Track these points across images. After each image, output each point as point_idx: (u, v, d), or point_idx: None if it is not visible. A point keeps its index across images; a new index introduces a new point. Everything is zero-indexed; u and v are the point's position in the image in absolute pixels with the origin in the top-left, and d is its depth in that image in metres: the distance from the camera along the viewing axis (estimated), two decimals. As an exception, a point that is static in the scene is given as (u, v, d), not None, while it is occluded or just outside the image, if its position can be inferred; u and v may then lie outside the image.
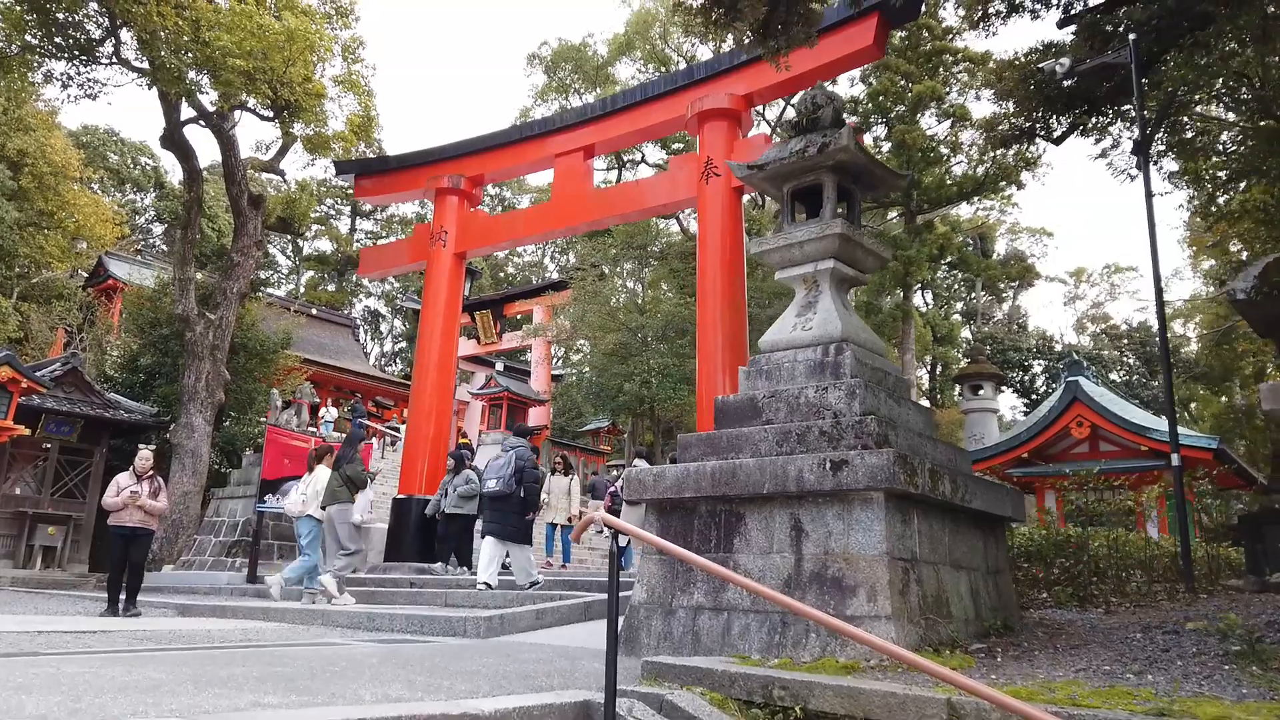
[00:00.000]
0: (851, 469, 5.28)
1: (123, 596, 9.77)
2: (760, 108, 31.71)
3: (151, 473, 10.31)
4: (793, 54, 12.40)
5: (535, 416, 41.24)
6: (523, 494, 9.60)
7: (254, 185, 17.52)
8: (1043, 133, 11.67)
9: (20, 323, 22.39)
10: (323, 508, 10.37)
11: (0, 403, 14.18)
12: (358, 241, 50.16)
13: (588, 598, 8.39)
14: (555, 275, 46.64)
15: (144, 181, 40.92)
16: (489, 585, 9.40)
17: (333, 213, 53.30)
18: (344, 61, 15.04)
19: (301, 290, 52.82)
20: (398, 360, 61.16)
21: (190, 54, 13.91)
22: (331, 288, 55.03)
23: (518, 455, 9.76)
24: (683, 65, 36.52)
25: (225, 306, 16.56)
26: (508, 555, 9.90)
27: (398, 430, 35.66)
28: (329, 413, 31.65)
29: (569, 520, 14.64)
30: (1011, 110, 11.95)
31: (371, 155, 16.88)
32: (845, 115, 7.06)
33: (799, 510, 5.55)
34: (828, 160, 6.48)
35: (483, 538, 9.92)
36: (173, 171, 43.73)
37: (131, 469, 10.30)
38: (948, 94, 30.29)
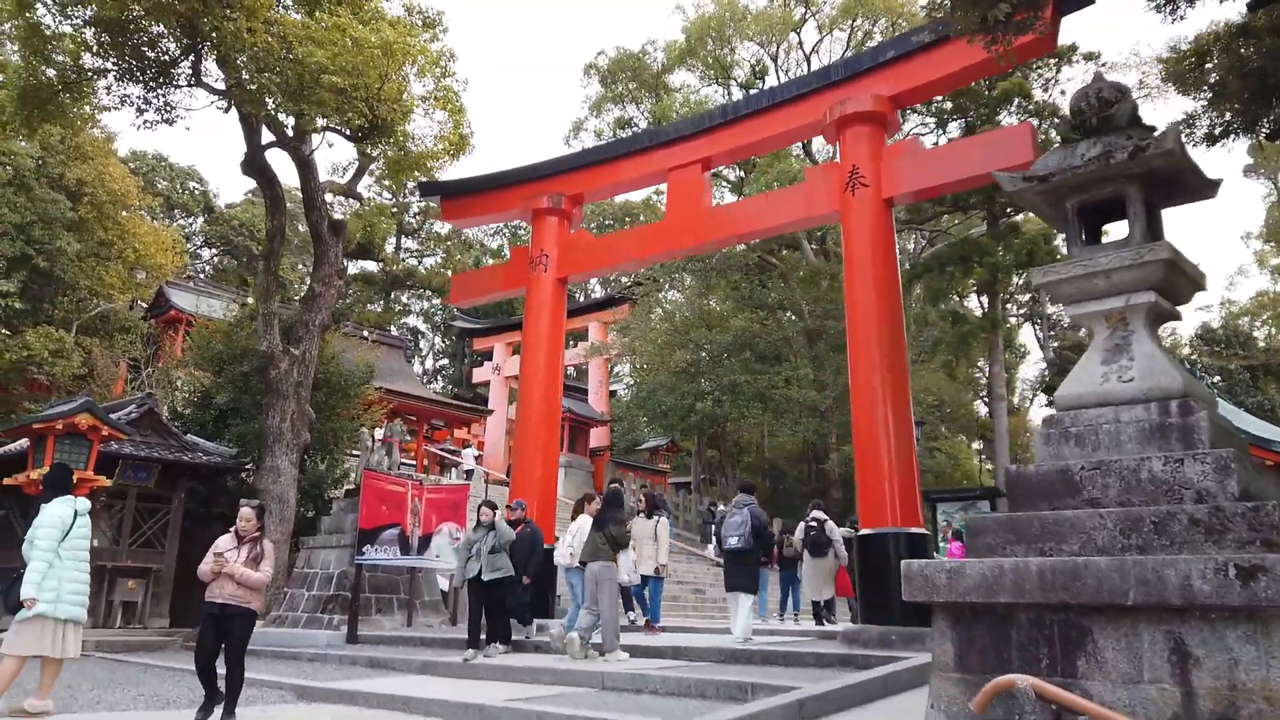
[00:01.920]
0: (1274, 578, 3.98)
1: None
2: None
3: (257, 534, 7.57)
4: (948, 46, 11.19)
5: (595, 437, 40.16)
6: (760, 548, 10.57)
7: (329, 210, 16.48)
8: (1248, 129, 10.30)
9: (84, 358, 21.55)
10: (582, 563, 10.36)
11: (79, 452, 13.18)
12: (403, 260, 49.29)
13: (798, 693, 7.05)
14: (604, 291, 45.55)
15: (193, 206, 40.36)
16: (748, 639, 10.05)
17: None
18: (432, 76, 13.95)
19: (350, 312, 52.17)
20: (439, 378, 60.56)
21: (278, 72, 12.87)
22: (375, 307, 54.38)
23: (752, 513, 10.39)
24: (745, 71, 35.32)
25: (308, 340, 15.52)
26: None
27: (456, 453, 34.69)
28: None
29: (657, 571, 12.20)
30: (1205, 104, 10.59)
31: (459, 177, 15.78)
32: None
33: (1181, 628, 4.24)
34: (1138, 168, 5.20)
35: (728, 591, 10.79)
36: (221, 195, 43.21)
37: (233, 530, 8.32)
38: (1032, 90, 28.79)
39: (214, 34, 12.51)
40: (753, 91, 33.83)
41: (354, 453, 17.42)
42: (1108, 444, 5.01)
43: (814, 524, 13.40)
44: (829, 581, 13.74)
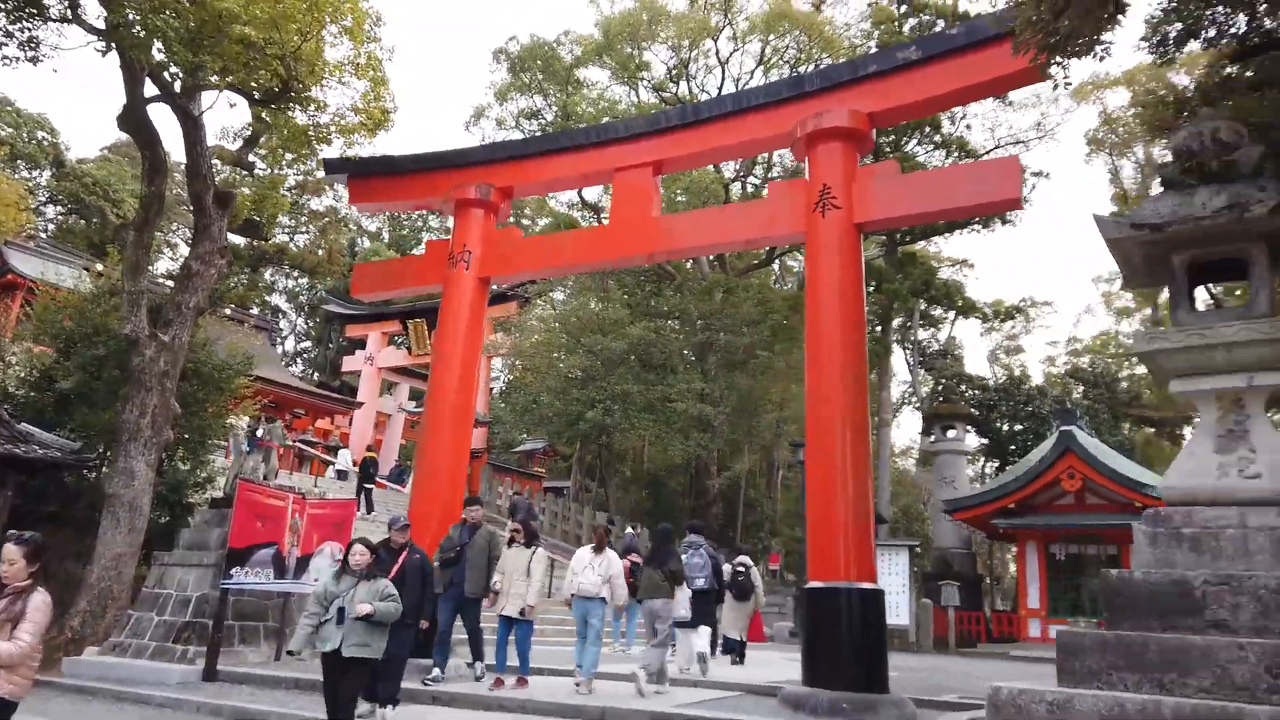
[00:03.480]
0: None
1: None
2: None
3: (26, 582, 4.79)
4: (933, 66, 10.51)
5: (473, 439, 38.37)
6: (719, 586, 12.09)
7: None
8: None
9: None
10: (639, 600, 10.66)
11: (-116, 441, 10.94)
12: (279, 235, 46.13)
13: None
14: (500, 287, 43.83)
15: (40, 158, 36.34)
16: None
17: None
18: (355, 40, 12.29)
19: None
20: (299, 361, 57.27)
21: (176, 15, 10.99)
22: (237, 284, 50.69)
23: (709, 554, 11.61)
24: (659, 70, 34.43)
25: (179, 325, 13.51)
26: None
27: (316, 444, 32.32)
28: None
29: (523, 613, 9.78)
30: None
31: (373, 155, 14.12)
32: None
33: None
34: (1267, 225, 4.46)
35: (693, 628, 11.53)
36: (72, 149, 39.20)
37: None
38: (941, 122, 29.12)
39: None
40: (684, 98, 33.02)
41: (221, 443, 15.45)
42: (1232, 552, 4.23)
43: (741, 569, 13.42)
44: (746, 624, 13.95)
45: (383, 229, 57.89)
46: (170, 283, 17.40)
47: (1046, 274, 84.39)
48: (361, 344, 38.69)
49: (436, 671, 9.93)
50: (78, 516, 14.44)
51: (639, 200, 11.67)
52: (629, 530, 27.29)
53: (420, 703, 9.34)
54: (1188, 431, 40.18)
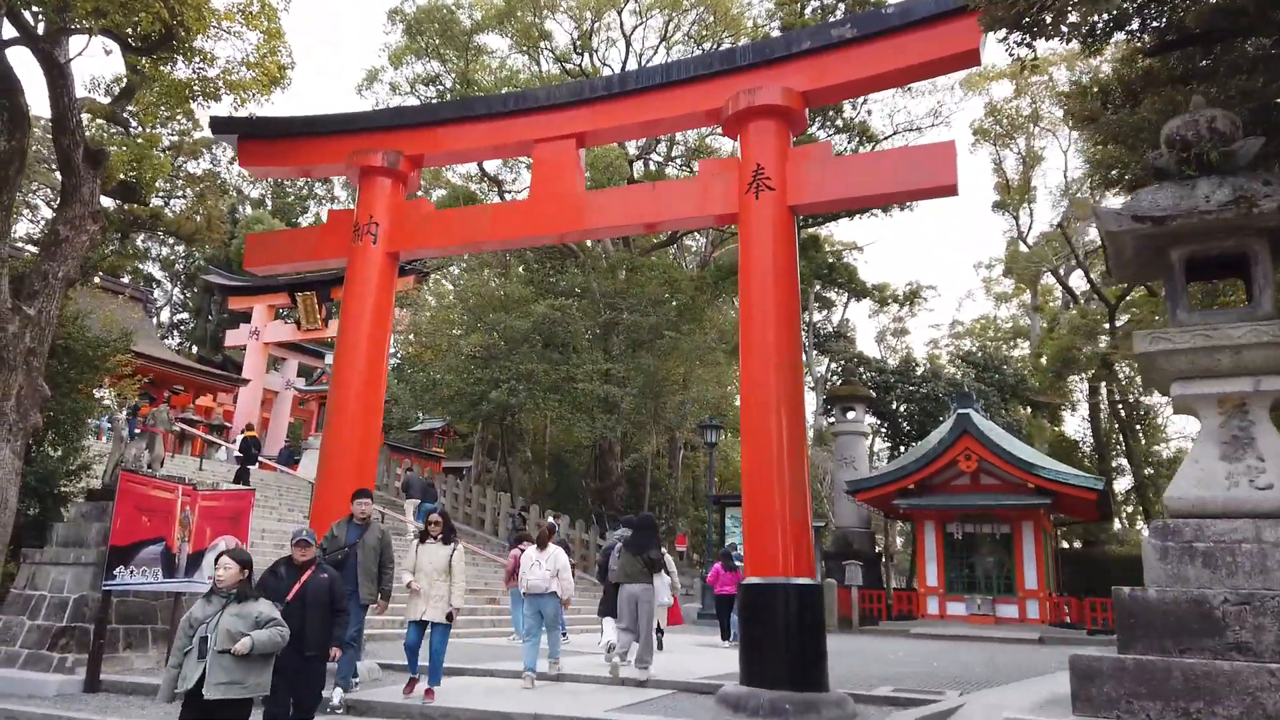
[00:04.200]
0: None
1: None
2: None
3: None
4: (870, 45, 10.22)
5: (367, 417, 36.90)
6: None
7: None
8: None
9: None
10: (616, 583, 11.11)
11: None
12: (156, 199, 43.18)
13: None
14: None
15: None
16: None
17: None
18: (244, -15, 11.18)
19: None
20: (175, 333, 54.35)
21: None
22: (108, 251, 47.48)
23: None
24: (562, 40, 33.53)
25: (46, 297, 12.12)
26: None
27: (198, 423, 30.47)
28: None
29: (448, 617, 9.08)
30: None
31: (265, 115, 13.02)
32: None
33: None
34: (1273, 220, 4.23)
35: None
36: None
37: None
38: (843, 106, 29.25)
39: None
40: (598, 68, 32.19)
41: (100, 422, 14.08)
42: (1250, 568, 4.01)
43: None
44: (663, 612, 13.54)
45: (266, 196, 55.22)
46: (33, 249, 15.85)
47: (930, 259, 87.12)
48: (245, 317, 36.65)
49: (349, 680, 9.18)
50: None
51: (561, 175, 11.03)
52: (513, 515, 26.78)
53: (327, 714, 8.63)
54: (1066, 415, 42.09)
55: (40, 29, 12.00)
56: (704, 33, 33.05)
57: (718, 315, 34.37)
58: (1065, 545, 33.83)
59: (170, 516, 10.99)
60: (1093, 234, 34.56)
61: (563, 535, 14.74)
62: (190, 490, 11.39)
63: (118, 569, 10.16)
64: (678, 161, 35.35)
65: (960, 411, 25.63)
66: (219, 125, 13.00)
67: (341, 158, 12.14)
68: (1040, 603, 24.12)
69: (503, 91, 27.21)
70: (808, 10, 31.37)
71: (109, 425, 12.58)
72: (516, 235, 11.54)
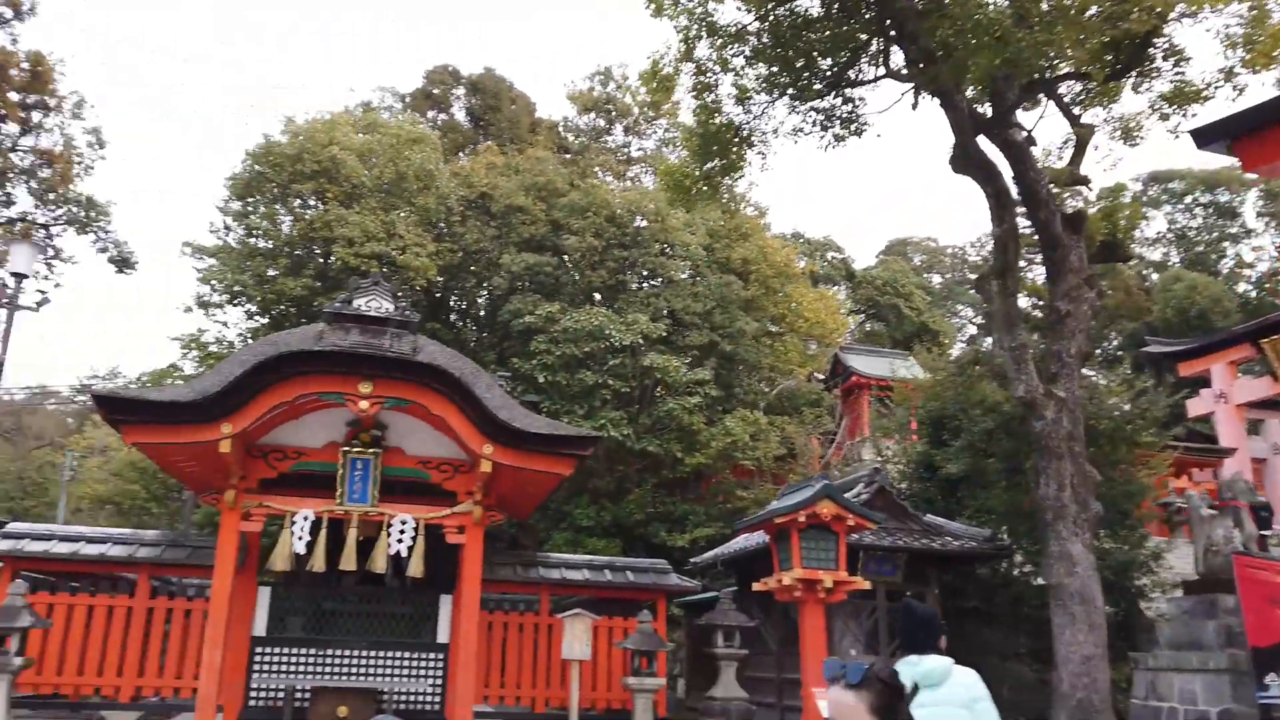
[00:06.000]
0: None
1: None
2: None
3: None
4: None
5: None
6: None
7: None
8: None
9: (779, 438, 20.35)
10: None
11: (825, 548, 10.74)
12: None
13: None
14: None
15: (835, 274, 40.02)
16: None
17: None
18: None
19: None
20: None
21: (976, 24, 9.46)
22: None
23: None
24: None
25: (1066, 377, 11.48)
26: None
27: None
28: None
29: None
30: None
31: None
32: None
33: None
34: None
35: None
36: (856, 260, 42.45)
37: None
38: None
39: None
40: None
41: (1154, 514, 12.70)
42: None
43: None
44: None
45: (1170, 251, 50.58)
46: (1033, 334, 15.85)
47: None
48: (1201, 382, 32.80)
49: None
50: (999, 611, 13.08)
51: None
52: None
53: None
54: None
55: (988, 113, 11.99)
56: None
57: None
58: None
59: (1306, 606, 8.62)
60: None
61: None
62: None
63: (1269, 676, 8.12)
64: None
65: None
66: (1204, 134, 10.96)
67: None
68: None
69: None
70: None
71: (1179, 504, 10.99)
72: None
